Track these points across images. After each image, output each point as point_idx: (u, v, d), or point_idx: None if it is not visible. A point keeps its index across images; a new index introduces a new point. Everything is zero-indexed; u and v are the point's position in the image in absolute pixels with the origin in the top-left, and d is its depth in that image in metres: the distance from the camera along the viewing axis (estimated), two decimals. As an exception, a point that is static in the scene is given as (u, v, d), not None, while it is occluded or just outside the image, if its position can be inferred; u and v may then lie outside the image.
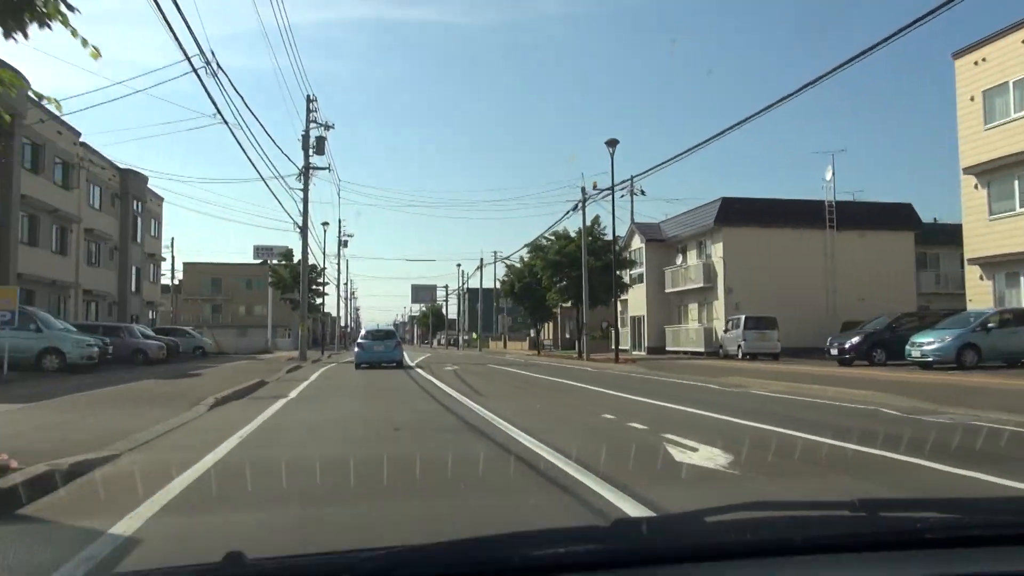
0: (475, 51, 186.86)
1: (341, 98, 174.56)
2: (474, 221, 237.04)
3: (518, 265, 39.54)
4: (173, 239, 56.21)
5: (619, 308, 46.10)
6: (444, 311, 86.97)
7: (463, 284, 72.22)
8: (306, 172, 33.28)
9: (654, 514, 4.04)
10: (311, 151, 33.35)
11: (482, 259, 56.30)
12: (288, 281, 35.15)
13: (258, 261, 64.96)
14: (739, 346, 27.68)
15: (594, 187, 26.73)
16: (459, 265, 72.57)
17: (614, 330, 28.14)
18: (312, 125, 33.55)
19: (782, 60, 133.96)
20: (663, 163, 23.78)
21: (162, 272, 61.79)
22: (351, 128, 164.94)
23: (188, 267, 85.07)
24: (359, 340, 27.61)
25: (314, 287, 36.31)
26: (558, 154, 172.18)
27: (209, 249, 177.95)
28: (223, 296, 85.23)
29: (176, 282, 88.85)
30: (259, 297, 78.62)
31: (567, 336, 57.47)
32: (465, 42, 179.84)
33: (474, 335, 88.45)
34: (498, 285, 40.73)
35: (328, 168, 33.90)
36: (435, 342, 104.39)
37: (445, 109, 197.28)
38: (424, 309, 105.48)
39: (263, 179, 29.07)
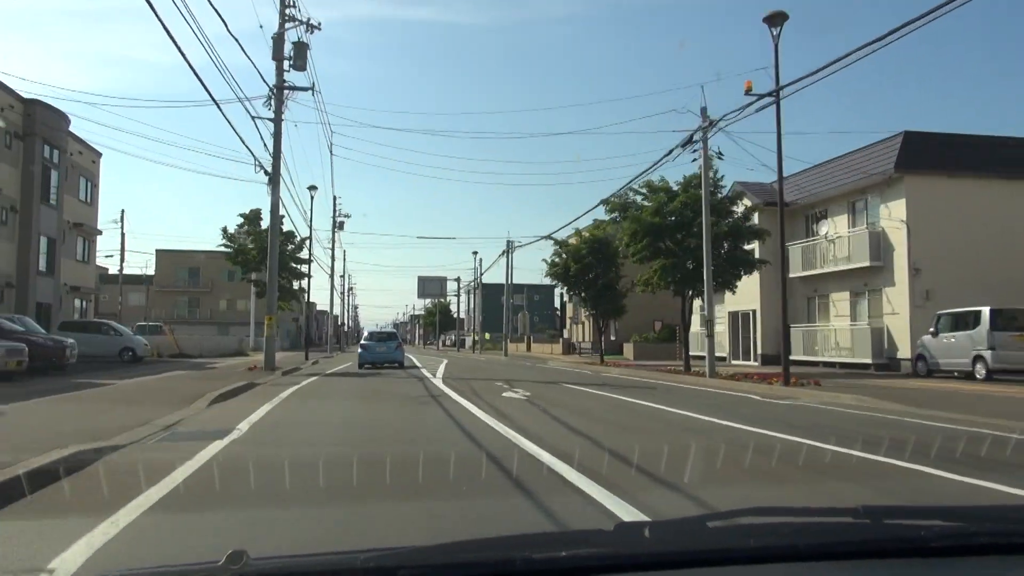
0: (477, 49, 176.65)
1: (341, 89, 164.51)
2: (489, 206, 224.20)
3: (573, 241, 28.81)
4: (124, 211, 45.44)
5: (692, 302, 35.43)
6: (456, 308, 76.07)
7: (480, 274, 61.36)
8: (279, 93, 22.53)
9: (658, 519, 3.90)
10: (287, 62, 22.61)
11: (509, 242, 45.34)
12: (252, 254, 24.44)
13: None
14: (979, 358, 16.89)
15: (747, 90, 15.84)
16: (475, 252, 61.82)
17: (771, 328, 17.25)
18: (289, 24, 22.80)
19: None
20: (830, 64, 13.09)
21: (107, 253, 51.24)
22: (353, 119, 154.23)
23: (161, 255, 74.45)
24: (362, 342, 28.32)
25: (293, 263, 25.56)
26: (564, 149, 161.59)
27: (190, 236, 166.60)
28: (201, 288, 74.42)
29: (140, 270, 78.32)
30: (243, 290, 68.01)
31: (612, 337, 46.68)
32: (467, 41, 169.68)
33: (486, 335, 77.83)
34: (545, 269, 29.63)
35: (311, 89, 23.09)
36: (439, 343, 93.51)
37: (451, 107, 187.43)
38: (430, 306, 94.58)
39: (215, 102, 18.12)
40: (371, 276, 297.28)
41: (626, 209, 21.52)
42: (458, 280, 68.43)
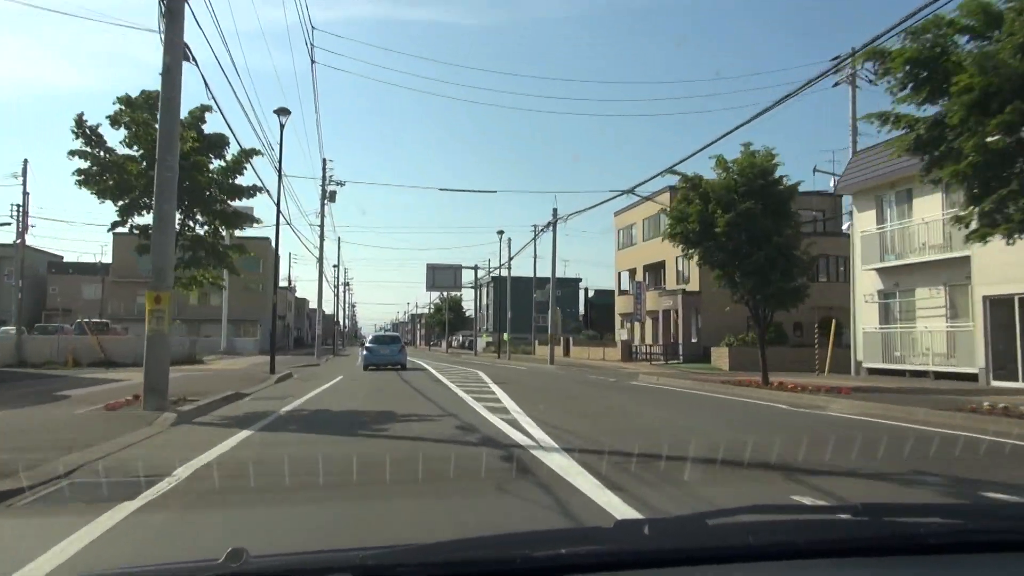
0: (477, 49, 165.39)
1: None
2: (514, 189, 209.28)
3: (719, 172, 16.82)
4: (26, 162, 33.63)
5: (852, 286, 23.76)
6: (475, 302, 63.99)
7: (509, 258, 49.62)
8: None
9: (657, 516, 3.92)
10: None
11: (555, 210, 33.38)
12: (133, 172, 11.93)
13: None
14: None
15: None
16: (501, 232, 49.53)
17: None
18: None
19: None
20: None
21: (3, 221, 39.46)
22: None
23: (120, 240, 62.05)
24: (367, 344, 28.39)
25: (226, 196, 13.13)
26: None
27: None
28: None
29: (94, 258, 66.54)
30: (217, 281, 56.11)
31: (693, 339, 34.85)
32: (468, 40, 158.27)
33: (504, 336, 65.79)
34: (665, 228, 17.58)
35: None
36: (445, 344, 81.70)
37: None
38: (438, 301, 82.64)
39: None
40: (369, 270, 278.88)
41: (936, 59, 9.72)
42: (475, 269, 56.45)
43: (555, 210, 33.67)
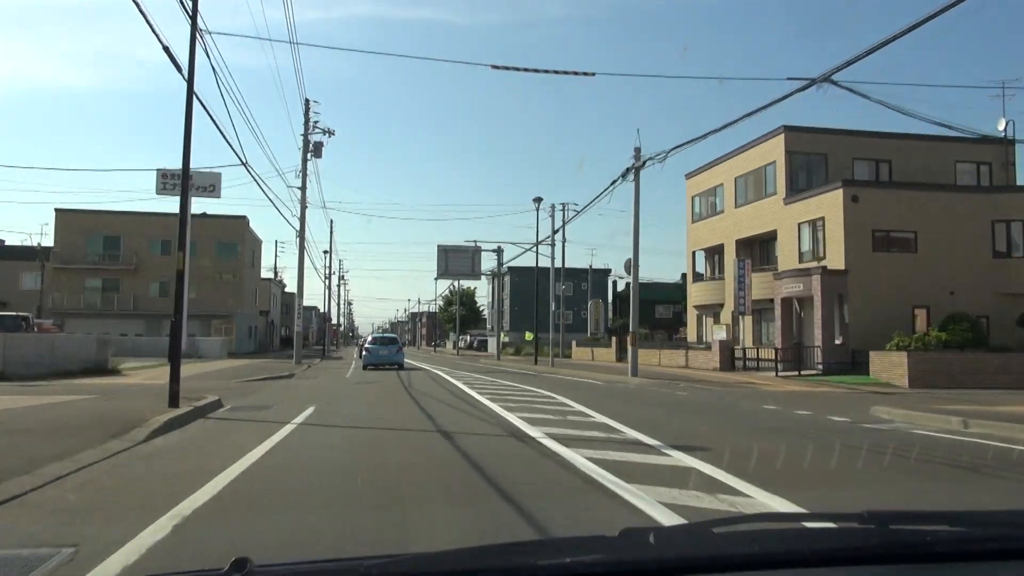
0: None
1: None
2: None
3: None
4: None
5: None
6: (498, 291, 52.70)
7: (552, 232, 38.63)
8: None
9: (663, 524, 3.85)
10: None
11: (637, 149, 22.55)
12: None
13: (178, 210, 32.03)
14: None
15: None
16: (538, 200, 37.54)
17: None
18: None
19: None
20: None
21: None
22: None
23: (63, 217, 51.60)
24: (367, 346, 30.07)
25: None
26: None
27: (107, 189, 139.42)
28: (122, 265, 51.58)
29: (31, 240, 56.24)
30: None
31: (837, 341, 24.02)
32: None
33: (527, 335, 54.70)
34: None
35: None
36: (452, 345, 70.79)
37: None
38: (449, 293, 71.64)
39: None
40: (367, 260, 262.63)
41: None
42: (498, 251, 45.18)
43: (637, 149, 22.83)
